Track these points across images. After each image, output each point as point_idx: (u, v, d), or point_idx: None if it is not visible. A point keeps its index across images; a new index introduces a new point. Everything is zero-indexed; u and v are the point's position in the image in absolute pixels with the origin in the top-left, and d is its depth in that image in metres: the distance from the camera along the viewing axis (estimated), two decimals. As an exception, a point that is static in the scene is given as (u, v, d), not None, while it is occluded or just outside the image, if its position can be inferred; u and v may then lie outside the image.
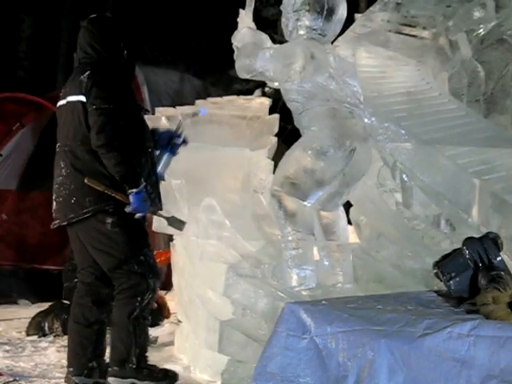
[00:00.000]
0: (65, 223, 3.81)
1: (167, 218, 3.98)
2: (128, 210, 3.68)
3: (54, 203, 3.85)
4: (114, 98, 3.72)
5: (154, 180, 3.91)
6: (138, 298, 3.75)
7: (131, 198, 3.66)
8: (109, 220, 3.72)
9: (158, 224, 4.48)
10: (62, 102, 3.88)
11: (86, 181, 3.66)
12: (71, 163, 3.76)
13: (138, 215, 3.72)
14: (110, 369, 3.76)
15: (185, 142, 4.13)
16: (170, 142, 4.07)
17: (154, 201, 3.86)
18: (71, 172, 3.76)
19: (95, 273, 3.85)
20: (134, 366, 3.72)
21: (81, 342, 3.82)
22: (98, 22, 3.95)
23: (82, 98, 3.73)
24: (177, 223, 4.01)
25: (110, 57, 3.86)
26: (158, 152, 4.05)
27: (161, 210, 3.97)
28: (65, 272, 5.60)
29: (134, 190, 3.64)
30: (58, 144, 3.87)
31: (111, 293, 3.87)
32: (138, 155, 3.79)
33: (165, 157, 4.05)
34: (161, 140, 4.07)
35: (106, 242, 3.76)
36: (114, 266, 3.78)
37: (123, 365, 3.72)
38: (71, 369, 3.82)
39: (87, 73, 3.76)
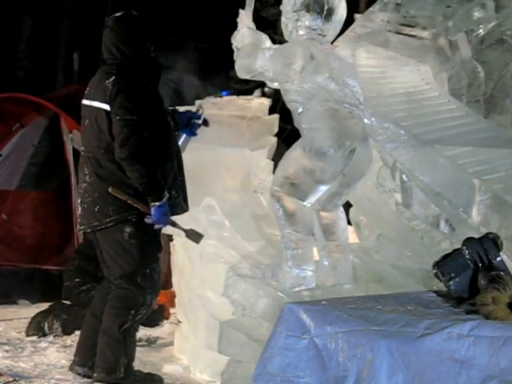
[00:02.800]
0: (89, 230, 3.81)
1: (185, 231, 3.93)
2: (148, 221, 3.67)
3: (80, 208, 3.84)
4: (138, 107, 3.66)
5: (180, 182, 3.87)
6: (132, 311, 3.72)
7: (152, 211, 3.65)
8: (127, 230, 3.70)
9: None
10: (87, 102, 3.81)
11: (110, 190, 3.65)
12: (95, 171, 3.73)
13: (156, 227, 3.72)
14: (95, 374, 3.73)
15: (205, 122, 4.08)
16: (190, 122, 4.03)
17: (179, 204, 3.84)
18: (95, 180, 3.73)
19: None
20: (122, 375, 3.70)
21: (91, 335, 3.82)
22: (123, 21, 3.81)
23: (107, 107, 3.67)
24: (194, 236, 3.95)
25: (136, 58, 3.78)
26: (177, 132, 4.01)
27: (187, 211, 3.93)
28: (66, 272, 5.60)
29: (157, 204, 3.63)
30: (82, 148, 3.85)
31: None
32: (164, 162, 3.76)
33: (183, 137, 4.01)
34: (181, 120, 4.02)
35: (120, 252, 3.75)
36: (120, 275, 3.76)
37: (110, 373, 3.69)
38: (77, 358, 3.85)
39: (112, 78, 3.68)
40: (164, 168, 3.75)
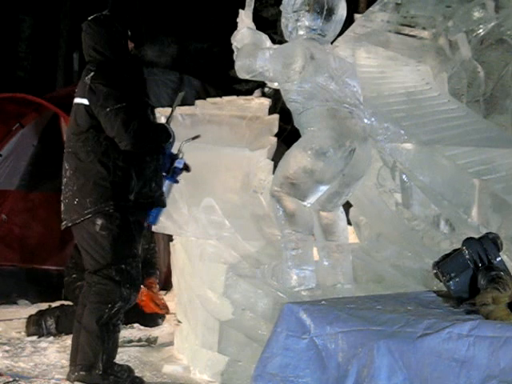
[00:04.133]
0: (70, 224, 3.82)
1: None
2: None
3: (62, 204, 3.85)
4: (124, 95, 3.71)
5: (159, 177, 3.89)
6: (109, 305, 3.71)
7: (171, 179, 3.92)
8: (99, 222, 3.71)
9: (158, 224, 4.48)
10: (74, 101, 3.88)
11: None
12: (74, 165, 3.77)
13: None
14: (76, 373, 3.74)
15: (187, 168, 4.04)
16: (171, 167, 3.98)
17: (159, 198, 3.86)
18: (74, 173, 3.77)
19: None
20: (101, 372, 3.69)
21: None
22: (96, 22, 3.89)
23: (85, 101, 3.74)
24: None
25: (115, 56, 3.84)
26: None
27: (164, 206, 3.95)
28: (66, 268, 5.63)
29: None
30: (65, 144, 3.88)
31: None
32: (144, 154, 3.79)
33: (166, 183, 3.97)
34: (164, 163, 3.97)
35: (92, 244, 3.76)
36: (95, 269, 3.76)
37: (89, 370, 3.69)
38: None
39: (91, 74, 3.75)
40: (144, 160, 3.77)
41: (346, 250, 3.99)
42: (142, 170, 3.76)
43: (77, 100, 3.82)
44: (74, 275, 5.43)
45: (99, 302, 3.73)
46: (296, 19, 4.03)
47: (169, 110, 4.70)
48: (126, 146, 3.67)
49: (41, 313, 5.28)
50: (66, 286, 5.56)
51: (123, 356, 4.26)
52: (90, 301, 3.76)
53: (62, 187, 3.85)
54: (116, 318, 3.75)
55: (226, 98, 5.11)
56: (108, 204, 3.70)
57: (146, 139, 3.74)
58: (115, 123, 3.65)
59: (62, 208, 3.85)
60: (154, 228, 4.63)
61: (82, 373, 3.71)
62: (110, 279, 3.73)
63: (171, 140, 3.89)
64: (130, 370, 3.87)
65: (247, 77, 4.15)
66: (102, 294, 3.73)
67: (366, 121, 4.01)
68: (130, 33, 3.92)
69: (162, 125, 3.92)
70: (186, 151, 4.07)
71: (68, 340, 4.96)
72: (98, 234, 3.73)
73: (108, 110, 3.66)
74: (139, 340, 5.00)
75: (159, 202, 3.88)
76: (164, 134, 3.84)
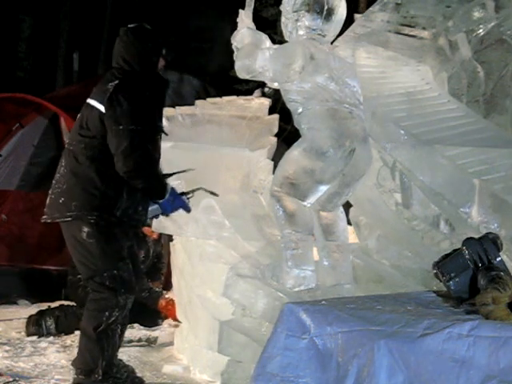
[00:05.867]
0: (49, 221, 3.81)
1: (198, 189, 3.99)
2: (158, 212, 3.83)
3: (48, 198, 3.84)
4: (142, 117, 3.64)
5: (147, 203, 3.83)
6: (106, 313, 3.70)
7: (163, 207, 3.79)
8: (85, 229, 3.69)
9: (158, 224, 4.48)
10: (87, 101, 3.82)
11: None
12: (70, 164, 3.75)
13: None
14: (75, 376, 3.74)
15: (188, 211, 3.97)
16: (175, 205, 3.89)
17: (143, 222, 3.87)
18: (67, 173, 3.75)
19: None
20: (100, 378, 3.68)
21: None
22: (133, 33, 3.82)
23: (101, 108, 3.66)
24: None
25: (142, 71, 3.78)
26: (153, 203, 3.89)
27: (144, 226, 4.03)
28: (70, 267, 5.63)
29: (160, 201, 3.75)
30: (66, 140, 3.88)
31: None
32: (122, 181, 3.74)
33: (155, 207, 3.86)
34: (174, 202, 3.88)
35: (81, 251, 3.75)
36: (88, 276, 3.76)
37: (89, 375, 3.69)
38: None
39: (115, 82, 3.68)
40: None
41: (346, 250, 3.99)
42: (133, 191, 3.72)
43: (93, 102, 3.74)
44: (79, 275, 5.43)
45: (96, 309, 3.73)
46: (296, 19, 4.03)
47: (169, 109, 4.71)
48: (119, 169, 3.62)
49: (41, 313, 5.28)
50: (69, 286, 5.56)
51: (123, 356, 4.26)
52: (87, 307, 3.77)
53: (53, 181, 3.82)
54: (114, 324, 3.74)
55: (225, 98, 5.11)
56: (92, 213, 3.67)
57: (141, 175, 3.66)
58: (122, 144, 3.59)
59: (47, 202, 3.84)
60: (153, 228, 4.63)
61: (81, 377, 3.72)
62: (104, 287, 3.71)
63: (160, 201, 3.81)
64: (130, 370, 3.87)
65: (247, 77, 4.14)
66: (99, 301, 3.73)
67: (365, 121, 4.01)
68: (164, 51, 3.89)
69: (164, 181, 3.80)
70: (184, 151, 4.07)
71: (68, 340, 4.98)
72: (86, 241, 3.71)
73: (121, 127, 3.60)
74: (139, 340, 5.01)
75: (140, 223, 3.86)
76: (159, 190, 3.76)
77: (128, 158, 3.59)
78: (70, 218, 3.70)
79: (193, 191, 3.97)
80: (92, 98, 3.78)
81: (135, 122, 3.61)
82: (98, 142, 3.69)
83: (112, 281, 3.72)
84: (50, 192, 3.85)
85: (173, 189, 3.85)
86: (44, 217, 3.86)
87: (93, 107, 3.72)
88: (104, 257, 3.73)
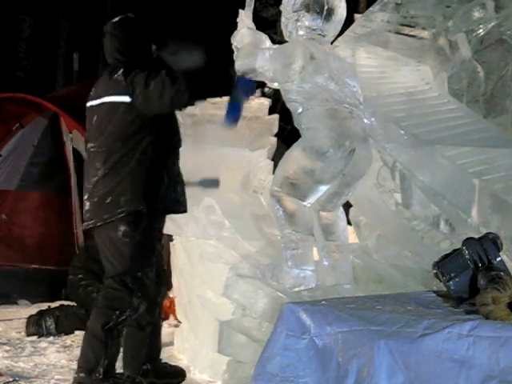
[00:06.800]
0: (99, 224, 3.73)
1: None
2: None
3: (87, 204, 3.77)
4: (157, 74, 3.67)
5: (183, 182, 3.89)
6: (117, 312, 3.68)
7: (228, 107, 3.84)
8: (122, 228, 3.68)
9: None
10: (93, 103, 3.81)
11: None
12: (109, 163, 3.71)
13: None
14: (76, 375, 3.73)
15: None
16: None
17: (182, 202, 3.86)
18: (108, 172, 3.71)
19: None
20: (101, 377, 3.67)
21: (134, 345, 3.85)
22: (122, 24, 3.88)
23: (126, 99, 3.69)
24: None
25: (140, 58, 3.82)
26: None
27: (186, 211, 3.93)
28: (72, 267, 5.62)
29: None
30: (91, 145, 3.80)
31: (160, 291, 3.93)
32: (167, 156, 3.80)
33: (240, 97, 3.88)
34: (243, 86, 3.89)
35: (113, 250, 3.73)
36: (112, 274, 3.74)
37: (90, 374, 3.67)
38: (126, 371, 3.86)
39: (121, 71, 3.71)
40: (166, 161, 3.78)
41: (346, 250, 3.99)
42: (170, 173, 3.77)
43: (110, 98, 3.74)
44: (80, 275, 5.44)
45: (108, 306, 3.71)
46: (296, 19, 4.03)
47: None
48: (169, 103, 3.63)
49: (41, 313, 5.29)
50: (70, 285, 5.56)
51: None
52: (98, 304, 3.76)
53: (89, 186, 3.76)
54: (122, 324, 3.73)
55: (226, 98, 5.10)
56: (142, 203, 3.68)
57: (184, 91, 3.65)
58: (143, 79, 3.63)
59: (88, 207, 3.77)
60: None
61: (81, 375, 3.70)
62: (123, 286, 3.70)
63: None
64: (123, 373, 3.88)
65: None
66: (113, 299, 3.71)
67: (365, 121, 4.01)
68: (152, 35, 3.93)
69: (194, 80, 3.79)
70: (185, 152, 4.06)
71: (68, 340, 4.98)
72: (120, 240, 3.69)
73: (152, 82, 3.63)
74: (139, 340, 4.99)
75: (181, 207, 3.87)
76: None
77: (171, 87, 3.61)
78: (122, 215, 3.67)
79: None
80: (104, 95, 3.77)
81: (149, 78, 3.66)
82: (132, 133, 3.70)
83: (133, 282, 3.71)
84: (86, 198, 3.79)
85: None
86: (90, 222, 3.77)
87: (114, 103, 3.72)
88: (134, 259, 3.72)
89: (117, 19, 3.91)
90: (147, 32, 3.92)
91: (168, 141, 3.82)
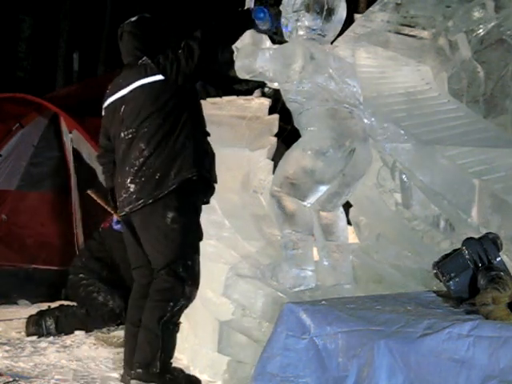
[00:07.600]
0: (150, 201, 3.69)
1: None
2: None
3: (133, 185, 3.74)
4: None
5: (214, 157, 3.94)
6: (171, 303, 3.68)
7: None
8: (169, 215, 3.68)
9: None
10: (120, 94, 3.83)
11: (89, 192, 3.66)
12: (153, 143, 3.72)
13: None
14: (133, 371, 3.70)
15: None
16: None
17: (215, 177, 3.90)
18: (154, 151, 3.71)
19: (151, 273, 3.80)
20: (158, 371, 3.65)
21: (134, 344, 3.81)
22: (141, 24, 3.93)
23: (158, 77, 3.74)
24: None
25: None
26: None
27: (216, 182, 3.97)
28: (73, 267, 5.61)
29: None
30: (129, 131, 3.78)
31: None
32: (204, 132, 3.89)
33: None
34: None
35: (161, 239, 3.71)
36: (164, 264, 3.71)
37: (147, 368, 3.65)
38: (127, 368, 3.82)
39: (144, 58, 3.77)
40: (202, 142, 3.86)
41: (345, 250, 3.99)
42: (209, 148, 3.87)
43: (142, 81, 3.76)
44: (81, 275, 5.43)
45: (162, 299, 3.69)
46: (296, 19, 4.03)
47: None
48: (199, 49, 3.72)
49: (41, 313, 5.28)
50: (70, 285, 5.55)
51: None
52: (150, 299, 3.73)
53: (133, 170, 3.73)
54: (177, 316, 3.73)
55: (225, 98, 5.11)
56: (192, 171, 3.71)
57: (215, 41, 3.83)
58: (184, 49, 3.73)
59: (133, 189, 3.73)
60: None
61: (139, 370, 3.67)
62: (175, 276, 3.69)
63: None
64: (181, 370, 3.87)
65: (247, 77, 4.15)
66: (164, 291, 3.70)
67: (365, 121, 4.01)
68: (172, 34, 4.00)
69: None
70: None
71: (68, 340, 4.97)
72: (169, 227, 3.69)
73: (178, 51, 3.74)
74: (139, 340, 4.99)
75: (214, 180, 3.90)
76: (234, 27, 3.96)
77: (194, 50, 3.73)
78: (174, 186, 3.67)
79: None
80: (132, 82, 3.79)
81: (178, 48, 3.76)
82: (172, 108, 3.74)
83: (184, 270, 3.70)
84: (130, 181, 3.75)
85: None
86: (140, 202, 3.72)
87: (149, 83, 3.75)
88: (184, 245, 3.71)
89: (135, 18, 3.96)
90: (166, 31, 3.98)
91: (202, 115, 3.91)
